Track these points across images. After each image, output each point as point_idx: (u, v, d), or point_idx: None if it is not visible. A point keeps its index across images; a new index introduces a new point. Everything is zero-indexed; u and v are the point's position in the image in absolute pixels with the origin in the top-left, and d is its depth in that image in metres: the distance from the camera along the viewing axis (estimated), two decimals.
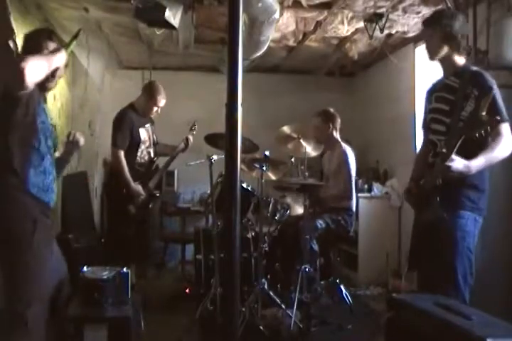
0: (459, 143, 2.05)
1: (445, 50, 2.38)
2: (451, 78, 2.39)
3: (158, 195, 3.96)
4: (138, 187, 3.73)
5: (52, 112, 4.05)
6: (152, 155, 3.92)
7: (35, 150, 2.11)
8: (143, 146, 3.82)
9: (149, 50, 5.04)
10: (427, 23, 2.46)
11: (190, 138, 4.05)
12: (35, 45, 2.23)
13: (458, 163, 2.10)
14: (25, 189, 2.07)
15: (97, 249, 4.03)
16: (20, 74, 1.93)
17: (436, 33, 2.36)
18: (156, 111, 3.90)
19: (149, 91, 3.89)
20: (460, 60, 2.41)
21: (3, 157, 2.08)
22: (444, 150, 2.12)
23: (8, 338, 2.04)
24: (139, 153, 3.80)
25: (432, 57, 2.45)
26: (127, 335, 2.35)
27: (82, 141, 2.46)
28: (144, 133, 3.84)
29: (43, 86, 2.21)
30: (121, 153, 3.67)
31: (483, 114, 1.96)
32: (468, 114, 2.12)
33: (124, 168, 3.67)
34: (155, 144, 4.00)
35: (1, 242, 2.10)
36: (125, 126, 3.72)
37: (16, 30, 3.12)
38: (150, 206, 3.91)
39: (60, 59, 2.20)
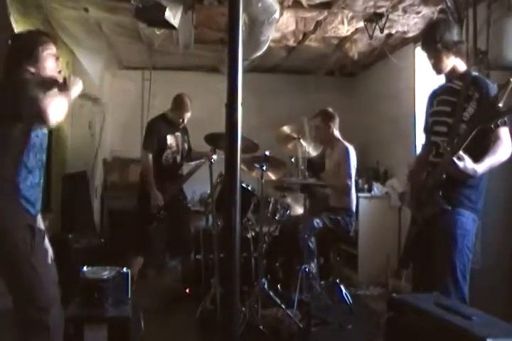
0: (471, 136, 2.05)
1: (451, 60, 2.41)
2: (454, 81, 2.41)
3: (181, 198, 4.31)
4: (158, 193, 3.98)
5: None
6: (178, 160, 4.21)
7: (24, 166, 2.08)
8: (168, 151, 4.14)
9: (149, 50, 5.04)
10: (426, 45, 2.46)
11: (214, 157, 3.62)
12: (31, 47, 2.15)
13: (467, 163, 2.10)
14: (17, 201, 2.04)
15: (97, 249, 4.04)
16: (43, 117, 1.94)
17: (439, 49, 2.38)
18: (182, 122, 4.18)
19: (175, 104, 4.20)
20: (462, 65, 2.45)
21: None
22: (453, 145, 2.12)
23: None
24: (164, 157, 4.11)
25: (441, 72, 2.46)
26: (127, 335, 2.35)
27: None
28: (171, 140, 4.15)
29: None
30: (149, 156, 4.05)
31: (501, 105, 1.95)
32: (484, 105, 2.09)
33: (149, 168, 4.04)
34: (185, 152, 4.26)
35: (2, 251, 2.05)
36: (153, 132, 4.12)
37: (15, 31, 3.12)
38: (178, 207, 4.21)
39: (78, 89, 2.20)
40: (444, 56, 2.39)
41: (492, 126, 2.03)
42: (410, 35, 4.36)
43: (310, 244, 3.61)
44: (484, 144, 2.22)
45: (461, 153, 2.08)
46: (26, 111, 2.00)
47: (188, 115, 4.17)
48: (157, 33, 3.97)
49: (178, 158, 4.20)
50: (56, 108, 1.99)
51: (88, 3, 3.66)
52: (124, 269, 2.61)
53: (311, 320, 3.16)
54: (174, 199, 4.12)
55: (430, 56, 2.45)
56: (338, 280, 3.79)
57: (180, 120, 4.15)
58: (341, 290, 3.72)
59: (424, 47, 2.47)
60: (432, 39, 2.39)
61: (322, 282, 3.73)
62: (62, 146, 4.77)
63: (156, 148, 4.07)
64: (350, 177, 3.84)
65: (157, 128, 4.12)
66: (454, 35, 2.41)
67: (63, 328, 2.12)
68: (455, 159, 2.08)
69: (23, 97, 2.01)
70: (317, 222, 3.71)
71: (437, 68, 2.45)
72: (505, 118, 2.21)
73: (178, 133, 4.21)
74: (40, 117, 1.96)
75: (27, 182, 2.08)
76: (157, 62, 5.64)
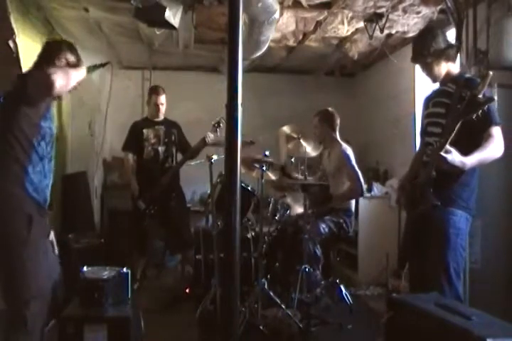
0: (456, 129, 2.08)
1: (443, 67, 2.46)
2: (448, 84, 2.46)
3: (173, 194, 4.31)
4: (135, 185, 4.20)
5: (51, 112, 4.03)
6: (162, 152, 4.28)
7: (35, 150, 2.13)
8: (146, 143, 4.25)
9: (149, 50, 5.04)
10: (416, 59, 2.52)
11: (210, 135, 4.03)
12: (53, 53, 2.27)
13: (454, 156, 2.13)
14: (22, 183, 2.07)
15: (97, 249, 4.04)
16: (50, 85, 2.03)
17: (429, 59, 2.43)
18: (158, 106, 4.29)
19: (148, 95, 4.43)
20: (455, 68, 2.52)
21: (5, 149, 2.09)
22: (441, 140, 2.16)
23: (7, 338, 2.04)
24: (144, 151, 4.25)
25: (436, 80, 2.52)
26: (127, 335, 2.35)
27: None
28: (147, 133, 4.28)
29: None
30: (129, 155, 4.30)
31: (480, 96, 2.01)
32: (466, 97, 2.14)
33: (128, 167, 4.30)
34: (171, 144, 4.31)
35: None
36: (130, 131, 4.35)
37: (15, 30, 3.13)
38: (172, 203, 4.26)
39: (80, 75, 2.26)
40: (435, 65, 2.45)
41: (474, 117, 2.05)
42: (410, 35, 4.35)
43: (316, 251, 3.59)
44: (478, 143, 2.24)
45: (447, 146, 2.11)
46: (33, 80, 2.10)
47: (162, 97, 4.27)
48: (157, 33, 3.97)
49: (161, 149, 4.28)
50: (61, 78, 2.09)
51: (88, 3, 3.67)
52: (124, 269, 2.61)
53: (311, 320, 3.16)
54: (166, 194, 4.16)
55: (422, 68, 2.52)
56: (338, 280, 3.79)
57: (159, 106, 4.26)
58: (341, 290, 3.72)
59: (415, 62, 2.54)
60: (420, 53, 2.46)
61: (322, 282, 3.73)
62: (62, 146, 4.77)
63: (136, 146, 4.26)
64: (358, 180, 3.78)
65: (134, 128, 4.33)
66: (441, 43, 2.45)
67: (45, 326, 2.14)
68: (442, 153, 2.10)
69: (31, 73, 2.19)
70: (323, 227, 3.67)
71: (432, 77, 2.51)
72: (498, 118, 2.26)
73: (158, 127, 4.31)
74: (46, 87, 2.05)
75: (37, 168, 2.14)
76: (157, 62, 5.64)
